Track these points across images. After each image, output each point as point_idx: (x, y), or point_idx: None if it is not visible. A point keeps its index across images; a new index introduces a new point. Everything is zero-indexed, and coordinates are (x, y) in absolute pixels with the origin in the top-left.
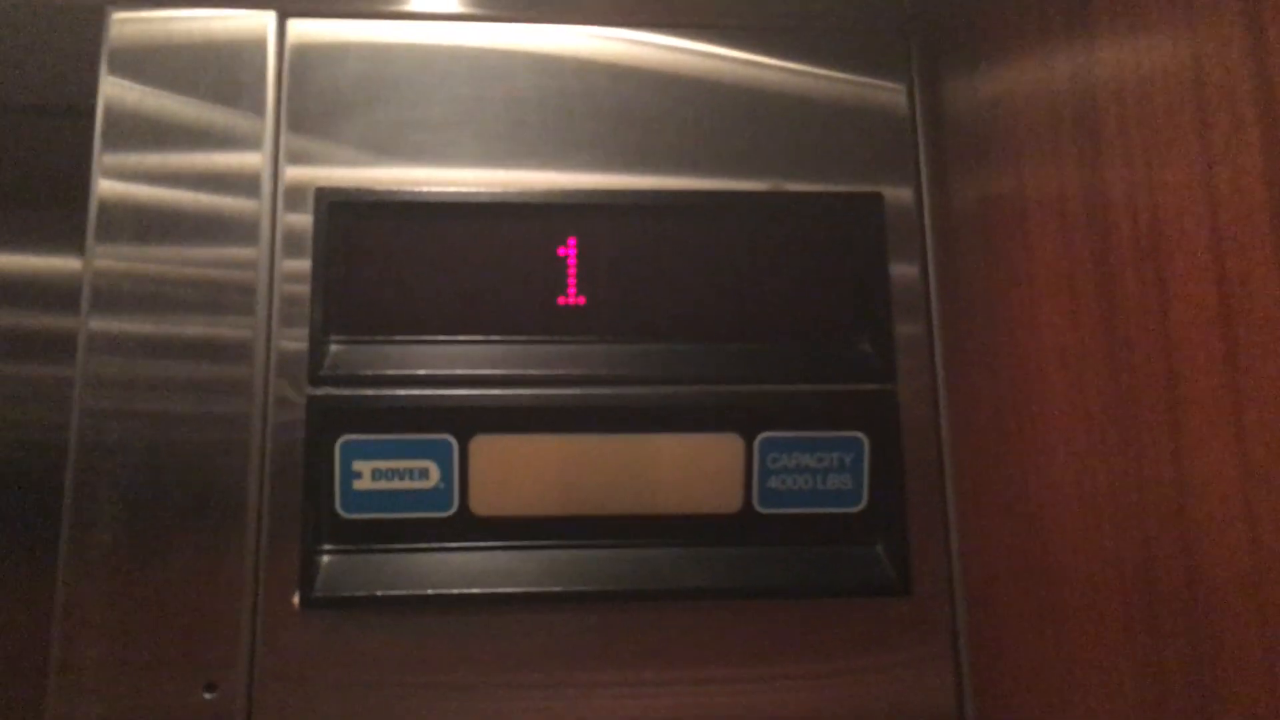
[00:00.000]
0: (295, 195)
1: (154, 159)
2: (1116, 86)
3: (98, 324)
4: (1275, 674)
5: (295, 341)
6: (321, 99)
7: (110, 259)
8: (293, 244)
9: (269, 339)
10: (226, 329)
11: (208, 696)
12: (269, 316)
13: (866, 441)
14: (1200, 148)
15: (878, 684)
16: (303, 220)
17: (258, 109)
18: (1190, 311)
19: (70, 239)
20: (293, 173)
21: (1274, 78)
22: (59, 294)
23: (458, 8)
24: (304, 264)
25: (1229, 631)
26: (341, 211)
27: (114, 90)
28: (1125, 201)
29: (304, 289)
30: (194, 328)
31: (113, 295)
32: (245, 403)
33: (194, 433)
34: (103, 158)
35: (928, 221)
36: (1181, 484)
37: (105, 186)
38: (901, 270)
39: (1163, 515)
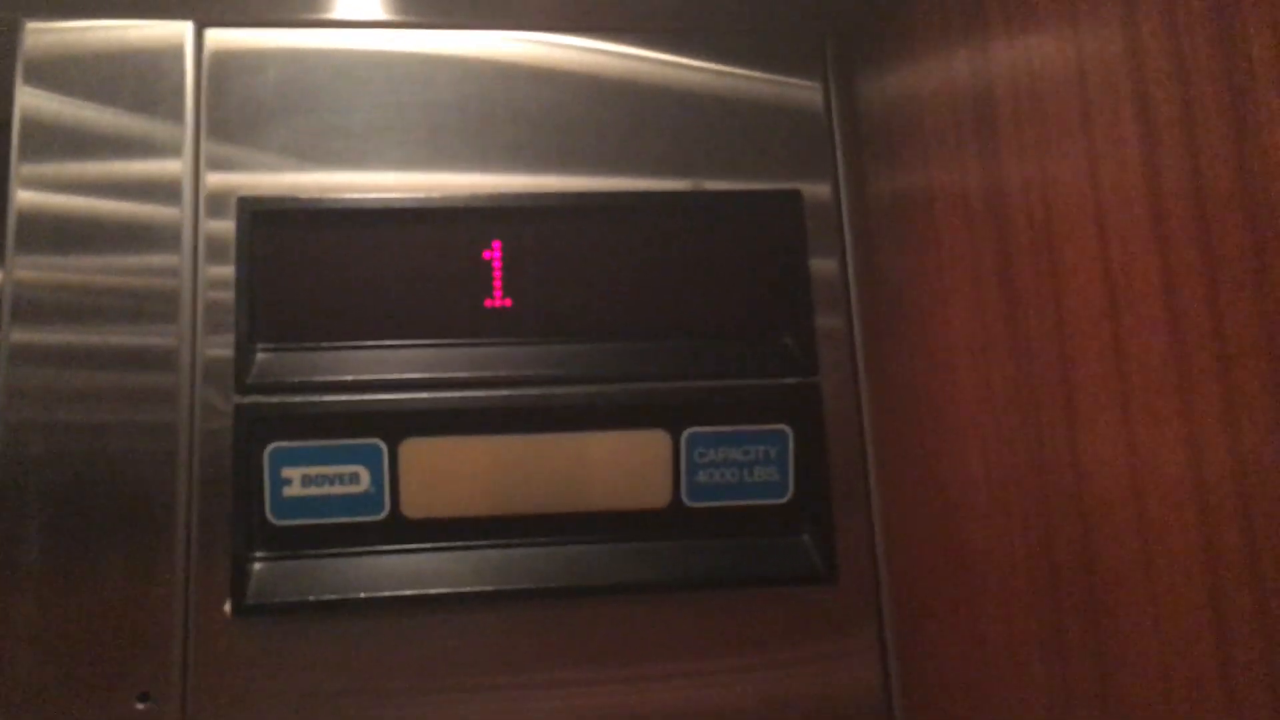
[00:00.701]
0: (217, 202)
1: (73, 168)
2: (1010, 84)
3: (19, 335)
4: (1164, 643)
5: (221, 349)
6: (241, 107)
7: (30, 269)
8: (215, 251)
9: (194, 347)
10: (151, 338)
11: (140, 707)
12: (194, 324)
13: (791, 434)
14: (1085, 143)
15: (808, 672)
16: (225, 227)
17: (177, 117)
18: (1081, 301)
19: None
20: (214, 179)
21: (1149, 76)
22: None
23: (378, 14)
24: (227, 270)
25: (1122, 605)
26: (264, 220)
27: (30, 100)
28: (1021, 195)
29: (228, 295)
30: (118, 337)
31: (34, 306)
32: (172, 411)
33: (121, 442)
34: (20, 168)
35: (845, 216)
36: (1077, 466)
37: (24, 197)
38: (821, 264)
39: (1061, 497)
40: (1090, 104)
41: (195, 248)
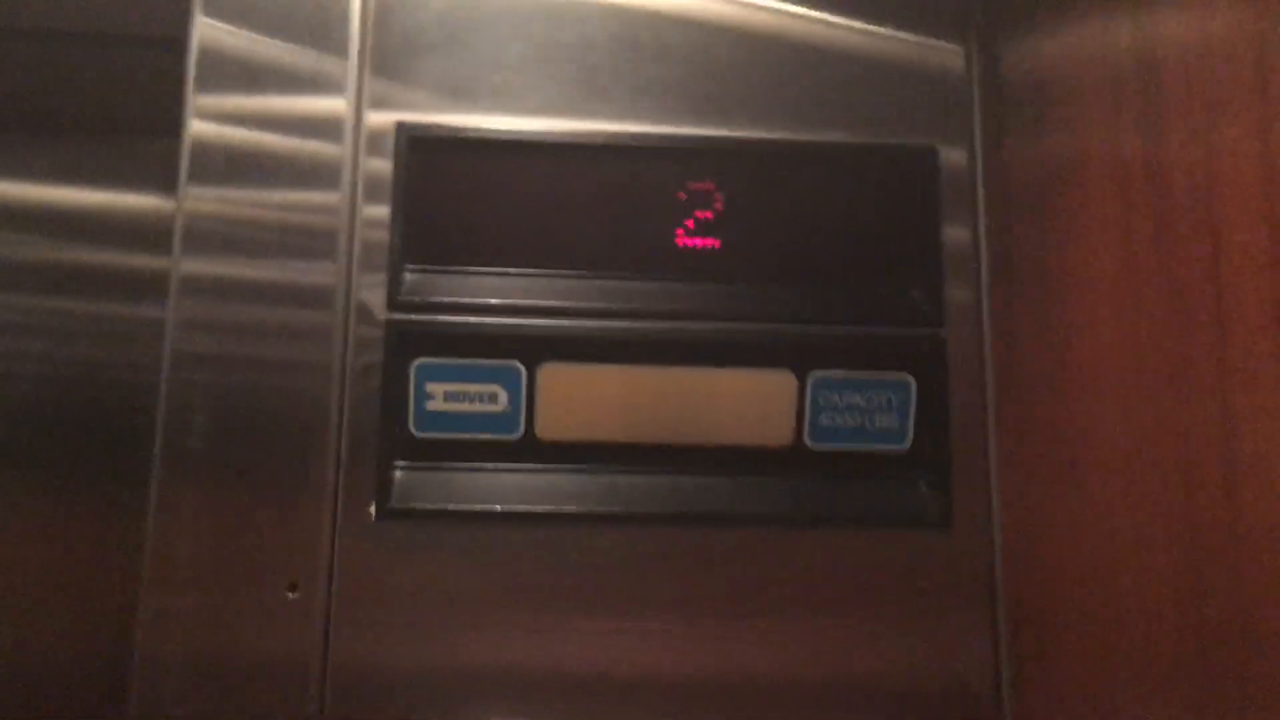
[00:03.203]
0: (377, 140)
1: (244, 101)
2: (1179, 54)
3: (189, 265)
4: None
5: (375, 289)
6: (404, 39)
7: (201, 200)
8: (374, 190)
9: (349, 284)
10: (310, 275)
11: (291, 596)
12: (350, 262)
13: (914, 383)
14: (1259, 113)
15: (920, 616)
16: (384, 166)
17: (343, 51)
18: (1242, 268)
19: (158, 175)
20: (375, 118)
21: None
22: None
23: None
24: (385, 211)
25: (1272, 567)
26: (422, 146)
27: (207, 31)
28: (1183, 161)
29: (384, 236)
30: (279, 272)
31: (203, 237)
32: (327, 342)
33: (280, 353)
34: (196, 99)
35: (980, 179)
36: (1229, 434)
37: (197, 127)
38: (954, 223)
39: (1208, 459)
40: (1268, 75)
41: (355, 186)
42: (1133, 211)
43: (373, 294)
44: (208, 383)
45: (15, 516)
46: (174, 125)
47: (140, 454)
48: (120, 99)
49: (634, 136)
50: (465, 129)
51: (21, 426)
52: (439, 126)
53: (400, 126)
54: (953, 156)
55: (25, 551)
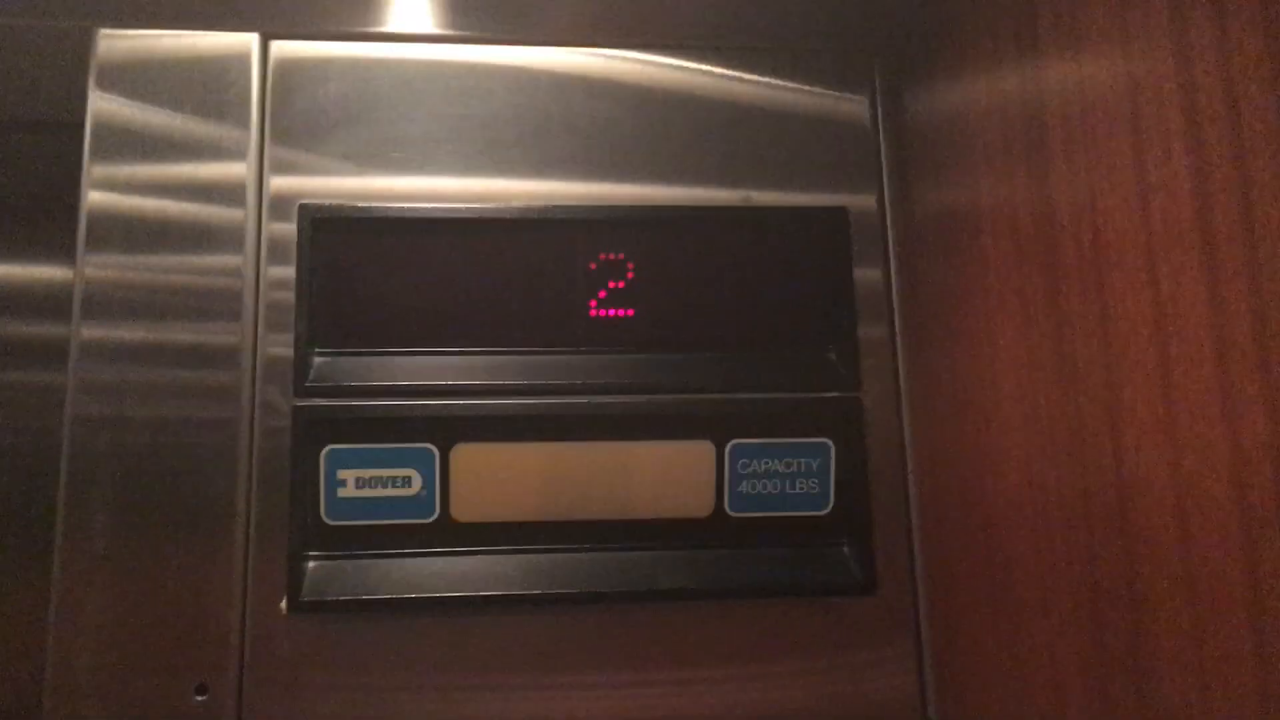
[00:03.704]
0: (280, 205)
1: (142, 170)
2: (1061, 107)
3: (89, 331)
4: (1205, 661)
5: (282, 347)
6: (304, 115)
7: (100, 268)
8: (277, 252)
9: (256, 345)
10: (214, 335)
11: (199, 699)
12: (255, 322)
13: (833, 447)
14: (1136, 170)
15: (846, 681)
16: (287, 229)
17: (242, 123)
18: (1128, 326)
19: (59, 249)
20: (277, 183)
21: (1199, 105)
22: (48, 302)
23: (435, 29)
24: (289, 271)
25: (1164, 623)
26: (324, 227)
27: (102, 105)
28: (1070, 218)
29: (289, 295)
30: (183, 334)
31: (103, 303)
32: (234, 408)
33: (184, 438)
34: (92, 170)
35: (890, 230)
36: (1120, 486)
37: (95, 197)
38: (866, 277)
39: (1104, 515)
40: (1141, 130)
41: (258, 249)
42: (1026, 269)
43: (280, 365)
44: (110, 448)
45: None
46: (74, 200)
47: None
48: (19, 180)
49: (542, 209)
50: (368, 208)
51: None
52: (341, 207)
53: (302, 208)
54: (863, 205)
55: None
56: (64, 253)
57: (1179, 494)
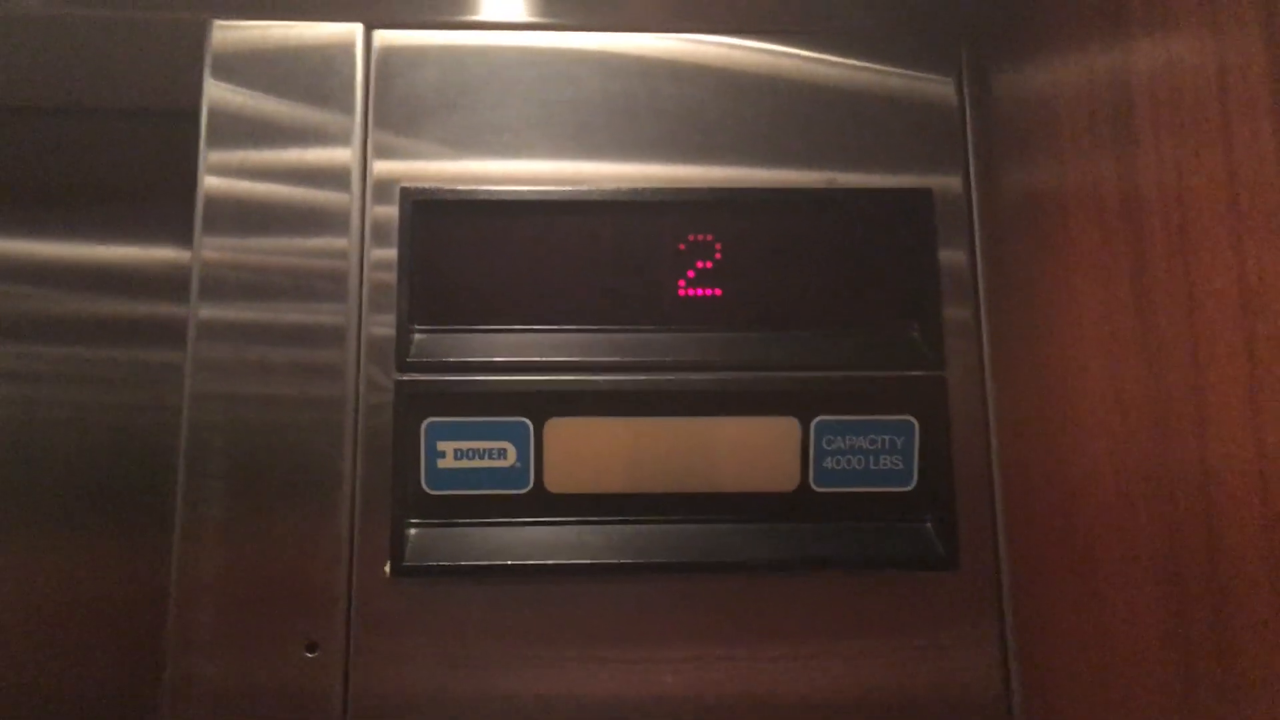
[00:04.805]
0: (383, 189)
1: (254, 156)
2: (1149, 86)
3: (206, 311)
4: None
5: (384, 327)
6: (405, 102)
7: (216, 250)
8: (381, 234)
9: (360, 324)
10: (322, 315)
11: (309, 655)
12: (360, 303)
13: (917, 424)
14: (1224, 147)
15: (927, 658)
16: (390, 212)
17: (347, 110)
18: (1214, 304)
19: (174, 232)
20: (380, 167)
21: None
22: (164, 283)
23: (526, 17)
24: (391, 253)
25: (1246, 599)
26: (424, 209)
27: (217, 93)
28: (1157, 197)
29: (392, 276)
30: (292, 314)
31: (219, 284)
32: (340, 386)
33: (293, 414)
34: (209, 156)
35: (976, 211)
36: (1204, 465)
37: (211, 182)
38: (951, 259)
39: (1188, 494)
40: (1230, 108)
41: (363, 231)
42: (1111, 248)
43: (383, 344)
44: (226, 424)
45: (40, 569)
46: (189, 185)
47: (162, 502)
48: (137, 165)
49: (632, 191)
50: (466, 191)
51: (47, 475)
52: (441, 190)
53: (403, 191)
54: (948, 187)
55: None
56: (178, 236)
57: (1264, 473)
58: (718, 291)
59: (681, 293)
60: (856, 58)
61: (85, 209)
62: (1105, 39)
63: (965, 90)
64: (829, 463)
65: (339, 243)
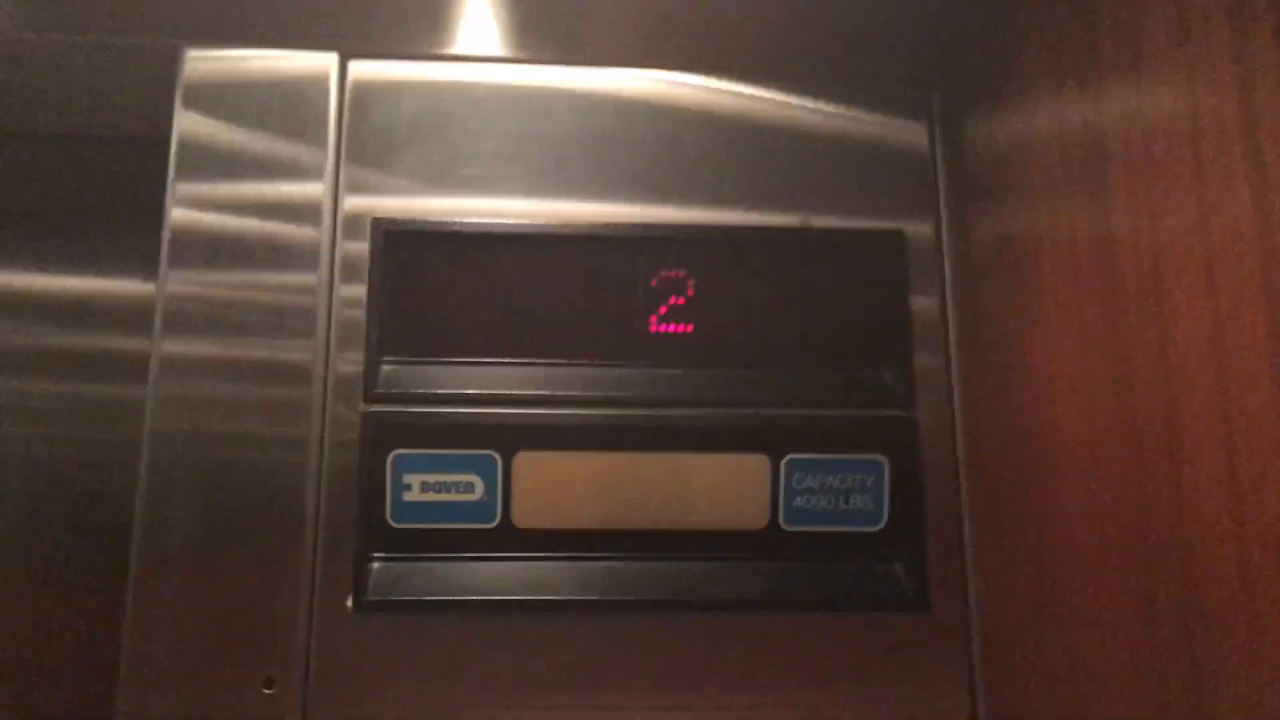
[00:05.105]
0: (354, 224)
1: (223, 188)
2: (1122, 132)
3: (169, 346)
4: (1262, 682)
5: (352, 365)
6: (379, 134)
7: (182, 283)
8: (350, 270)
9: (328, 361)
10: (288, 352)
11: (266, 692)
12: (327, 340)
13: (887, 464)
14: (1197, 196)
15: (897, 701)
16: (360, 248)
17: (320, 142)
18: (1188, 345)
19: (140, 262)
20: (351, 202)
21: (1261, 135)
22: (128, 316)
23: (503, 51)
24: (361, 289)
25: (1220, 642)
26: (396, 240)
27: (187, 123)
28: (1130, 242)
29: (361, 314)
30: (258, 350)
31: (183, 318)
32: (304, 424)
33: (257, 451)
34: (176, 187)
35: (947, 256)
36: (1179, 506)
37: (178, 214)
38: (922, 302)
39: (1162, 534)
40: (1203, 157)
41: (332, 267)
42: (1085, 292)
43: (350, 381)
44: (187, 461)
45: None
46: (155, 215)
47: (121, 537)
48: (103, 193)
49: (606, 227)
50: (438, 223)
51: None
52: (413, 221)
53: (375, 222)
54: (920, 231)
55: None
56: (144, 267)
57: (1238, 512)
58: (689, 328)
59: (653, 328)
60: (832, 102)
61: (51, 238)
62: (1077, 86)
63: (937, 136)
64: (799, 501)
65: (308, 278)
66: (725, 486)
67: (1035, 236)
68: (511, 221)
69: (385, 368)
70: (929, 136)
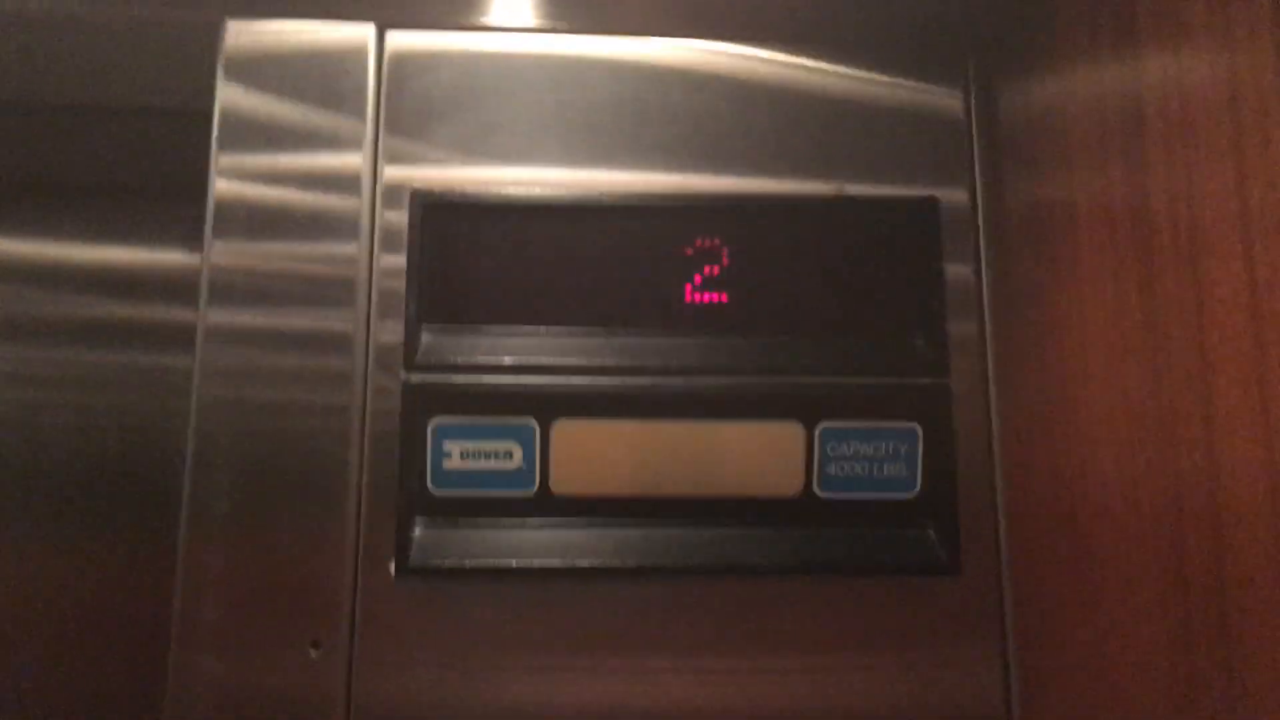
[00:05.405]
0: (393, 194)
1: (265, 160)
2: (1160, 97)
3: (214, 316)
4: None
5: (393, 334)
6: (416, 104)
7: (225, 255)
8: (390, 240)
9: (369, 331)
10: (330, 321)
11: (313, 654)
12: (368, 309)
13: (921, 432)
14: (1235, 161)
15: (930, 661)
16: (400, 218)
17: (359, 114)
18: (1223, 311)
19: (183, 234)
20: (391, 173)
21: None
22: (172, 286)
23: (538, 21)
24: (401, 259)
25: (1253, 607)
26: (434, 212)
27: (229, 95)
28: (1167, 209)
29: (401, 283)
30: (300, 320)
31: (228, 289)
32: (347, 394)
33: (300, 419)
34: (219, 159)
35: (982, 222)
36: (1213, 473)
37: (222, 186)
38: (955, 269)
39: (1195, 501)
40: (1241, 124)
41: (372, 237)
42: (1120, 258)
43: (390, 350)
44: (233, 429)
45: (45, 571)
46: (198, 187)
47: (167, 504)
48: (146, 166)
49: (641, 196)
50: (476, 195)
51: (53, 477)
52: (451, 193)
53: (414, 194)
54: (954, 198)
55: (55, 608)
56: (188, 238)
57: (1272, 479)
58: (724, 297)
59: (688, 297)
60: (865, 68)
61: (95, 210)
62: (1114, 51)
63: (972, 102)
64: (833, 469)
65: (348, 248)
66: (760, 454)
67: (1070, 203)
68: (548, 192)
69: (425, 337)
70: (964, 103)
